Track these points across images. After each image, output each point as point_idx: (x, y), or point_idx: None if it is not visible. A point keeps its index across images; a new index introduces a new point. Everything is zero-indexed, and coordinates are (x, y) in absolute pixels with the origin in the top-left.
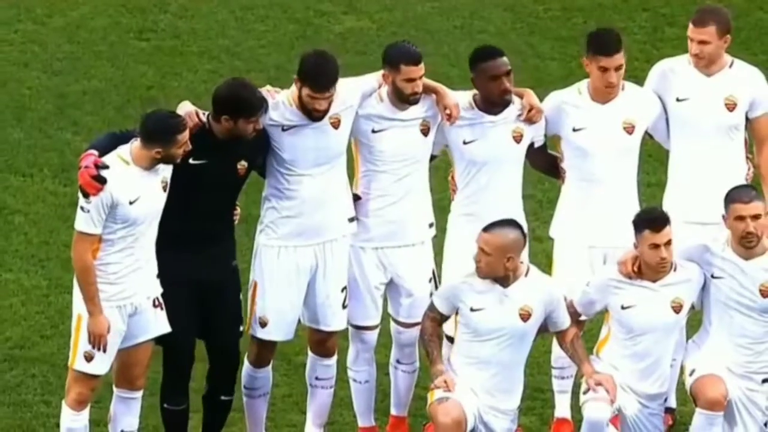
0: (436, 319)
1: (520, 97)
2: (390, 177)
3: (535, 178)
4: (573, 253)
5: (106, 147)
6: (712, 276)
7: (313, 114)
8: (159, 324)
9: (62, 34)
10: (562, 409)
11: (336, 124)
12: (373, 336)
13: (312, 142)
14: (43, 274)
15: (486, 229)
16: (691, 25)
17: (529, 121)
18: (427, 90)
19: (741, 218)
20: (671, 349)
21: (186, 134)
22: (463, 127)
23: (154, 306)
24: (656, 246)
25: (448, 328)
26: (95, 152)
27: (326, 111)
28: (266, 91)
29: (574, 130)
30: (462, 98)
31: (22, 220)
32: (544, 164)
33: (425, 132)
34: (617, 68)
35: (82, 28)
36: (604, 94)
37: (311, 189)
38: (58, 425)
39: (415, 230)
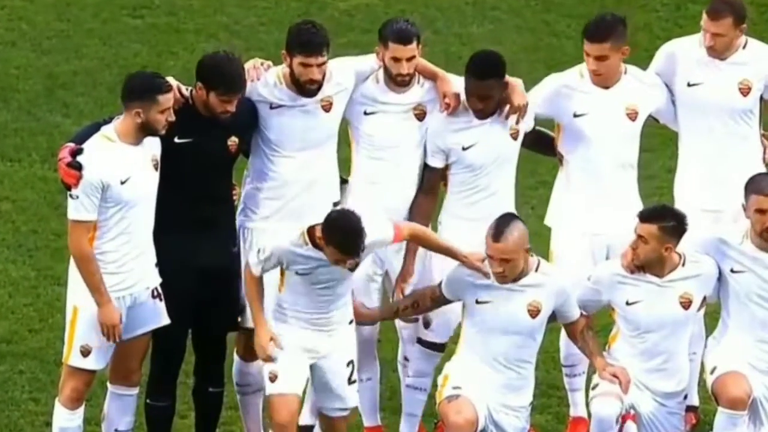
0: (436, 293)
1: (508, 90)
2: (382, 164)
3: (550, 164)
4: (573, 242)
5: (88, 135)
6: (732, 270)
7: (306, 87)
8: (158, 316)
9: (52, 10)
10: (578, 407)
11: (327, 107)
12: (369, 329)
13: (300, 124)
14: (32, 264)
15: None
16: (705, 16)
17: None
18: (426, 74)
19: (762, 211)
20: (684, 345)
21: (169, 98)
22: (460, 131)
23: (153, 297)
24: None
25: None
26: (72, 144)
27: (320, 84)
28: (255, 66)
29: (576, 115)
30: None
31: (9, 208)
32: (531, 142)
33: (420, 117)
34: (597, 57)
35: (73, 5)
36: (595, 79)
37: (295, 172)
38: (47, 424)
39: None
